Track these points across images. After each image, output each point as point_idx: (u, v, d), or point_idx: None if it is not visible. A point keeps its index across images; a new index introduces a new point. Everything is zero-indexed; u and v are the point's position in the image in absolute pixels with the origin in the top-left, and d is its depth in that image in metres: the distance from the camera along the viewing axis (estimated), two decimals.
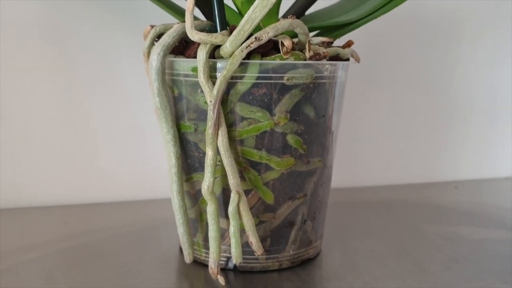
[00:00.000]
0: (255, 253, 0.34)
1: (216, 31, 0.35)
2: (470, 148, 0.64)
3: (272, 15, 0.39)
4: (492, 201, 0.56)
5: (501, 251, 0.42)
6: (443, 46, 0.61)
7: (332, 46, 0.38)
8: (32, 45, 0.49)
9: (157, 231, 0.45)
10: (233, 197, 0.33)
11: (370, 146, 0.61)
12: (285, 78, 0.33)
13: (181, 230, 0.36)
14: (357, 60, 0.39)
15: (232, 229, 0.34)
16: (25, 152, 0.50)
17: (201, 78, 0.33)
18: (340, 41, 0.41)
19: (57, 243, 0.41)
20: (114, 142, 0.53)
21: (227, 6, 0.40)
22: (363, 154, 0.61)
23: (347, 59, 0.38)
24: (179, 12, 0.40)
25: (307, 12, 0.44)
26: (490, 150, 0.65)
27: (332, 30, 0.41)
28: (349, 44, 0.40)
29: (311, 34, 0.43)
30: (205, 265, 0.37)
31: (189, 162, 0.36)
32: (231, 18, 0.40)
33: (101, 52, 0.51)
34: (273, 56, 0.33)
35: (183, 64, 0.34)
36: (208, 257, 0.36)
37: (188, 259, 0.36)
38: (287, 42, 0.32)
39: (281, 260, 0.37)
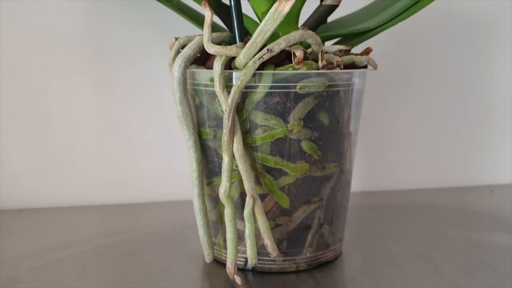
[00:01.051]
0: (270, 255, 0.36)
1: (235, 42, 0.37)
2: (508, 151, 0.62)
3: (291, 24, 0.40)
4: None
5: None
6: (479, 47, 0.60)
7: (350, 54, 0.39)
8: (75, 56, 0.52)
9: (186, 231, 0.47)
10: (248, 201, 0.35)
11: (404, 149, 0.61)
12: (298, 87, 0.35)
13: (201, 231, 0.38)
14: (374, 67, 0.39)
15: (247, 231, 0.35)
16: (67, 155, 0.54)
17: (217, 88, 0.34)
18: (361, 48, 0.42)
19: (92, 241, 0.45)
20: (149, 146, 0.55)
21: (249, 17, 0.41)
22: (397, 157, 0.61)
23: (365, 66, 0.39)
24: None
25: (330, 19, 0.45)
26: None
27: (353, 37, 0.41)
28: (367, 51, 0.40)
29: (333, 41, 0.44)
30: (225, 265, 0.39)
31: (209, 167, 0.38)
32: (252, 29, 0.41)
33: (138, 62, 0.54)
34: (286, 66, 0.35)
35: (202, 75, 0.36)
36: None
37: (207, 259, 0.38)
38: (299, 53, 0.34)
39: (298, 262, 0.38)
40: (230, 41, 0.38)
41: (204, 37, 0.35)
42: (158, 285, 0.36)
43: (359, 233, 0.47)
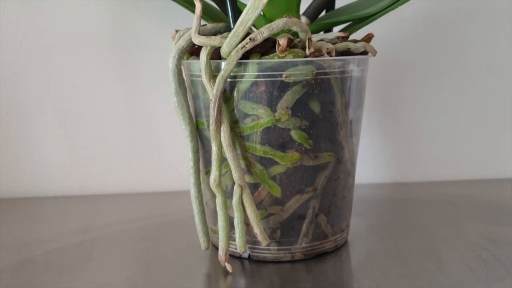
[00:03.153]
0: (261, 243, 0.36)
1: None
2: None
3: (291, 12, 0.40)
4: None
5: None
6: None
7: (350, 40, 0.38)
8: (101, 52, 0.55)
9: None
10: (236, 189, 0.35)
11: (437, 139, 0.59)
12: (284, 75, 0.34)
13: (196, 219, 0.39)
14: (373, 53, 0.38)
15: (236, 220, 0.36)
16: (96, 145, 0.57)
17: (204, 78, 0.35)
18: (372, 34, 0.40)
19: (109, 227, 0.47)
20: (174, 137, 0.57)
21: None
22: (429, 147, 0.59)
23: (364, 53, 0.38)
24: (210, 15, 0.43)
25: (340, 5, 0.44)
26: None
27: (357, 23, 0.40)
28: (369, 37, 0.39)
29: (340, 27, 0.43)
30: None
31: (206, 156, 0.39)
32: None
33: (161, 57, 0.55)
34: (272, 55, 0.34)
35: (196, 65, 0.37)
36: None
37: (203, 246, 0.39)
38: (282, 41, 0.33)
39: (293, 252, 0.38)
40: (226, 32, 0.38)
41: (192, 28, 0.35)
42: (155, 270, 0.38)
43: (372, 225, 0.46)
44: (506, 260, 0.37)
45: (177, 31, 0.40)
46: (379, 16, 0.38)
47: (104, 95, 0.56)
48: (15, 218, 0.50)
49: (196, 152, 0.38)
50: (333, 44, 0.37)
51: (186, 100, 0.38)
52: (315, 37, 0.38)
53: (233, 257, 0.39)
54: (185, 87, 0.38)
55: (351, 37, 0.40)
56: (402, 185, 0.58)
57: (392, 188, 0.58)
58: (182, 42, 0.37)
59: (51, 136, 0.56)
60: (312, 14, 0.40)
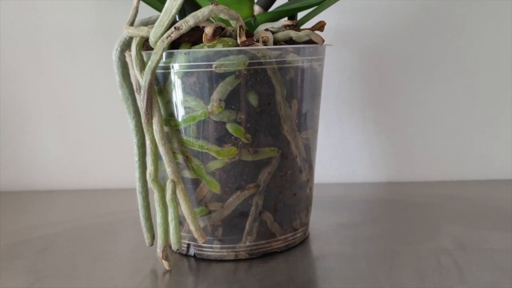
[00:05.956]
0: (198, 241, 0.35)
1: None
2: None
3: (243, 1, 0.38)
4: None
5: (504, 264, 0.34)
6: None
7: (305, 29, 0.36)
8: (92, 50, 0.56)
9: None
10: (168, 185, 0.34)
11: (435, 137, 0.55)
12: (214, 66, 0.33)
13: (140, 214, 0.38)
14: (319, 42, 0.36)
15: (170, 216, 0.35)
16: (90, 141, 0.58)
17: (135, 70, 0.34)
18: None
19: (82, 220, 0.47)
20: None
21: None
22: (425, 146, 0.55)
23: (311, 42, 0.36)
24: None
25: None
26: None
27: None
28: (321, 25, 0.37)
29: (304, 13, 0.40)
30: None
31: None
32: None
33: None
34: (201, 44, 0.33)
35: None
36: None
37: (147, 242, 0.38)
38: (208, 30, 0.32)
39: (238, 251, 0.37)
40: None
41: (127, 21, 0.35)
42: (101, 263, 0.37)
43: (342, 224, 0.43)
44: (465, 267, 0.34)
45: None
46: (330, 3, 0.36)
47: (96, 92, 0.57)
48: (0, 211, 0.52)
49: (141, 146, 0.38)
50: (274, 33, 0.35)
51: (131, 93, 0.37)
52: (264, 26, 0.37)
53: (180, 254, 0.38)
54: (130, 80, 0.38)
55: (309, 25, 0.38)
56: (396, 184, 0.55)
57: (385, 187, 0.54)
58: (125, 35, 0.37)
59: (47, 132, 0.58)
60: (265, 3, 0.39)
